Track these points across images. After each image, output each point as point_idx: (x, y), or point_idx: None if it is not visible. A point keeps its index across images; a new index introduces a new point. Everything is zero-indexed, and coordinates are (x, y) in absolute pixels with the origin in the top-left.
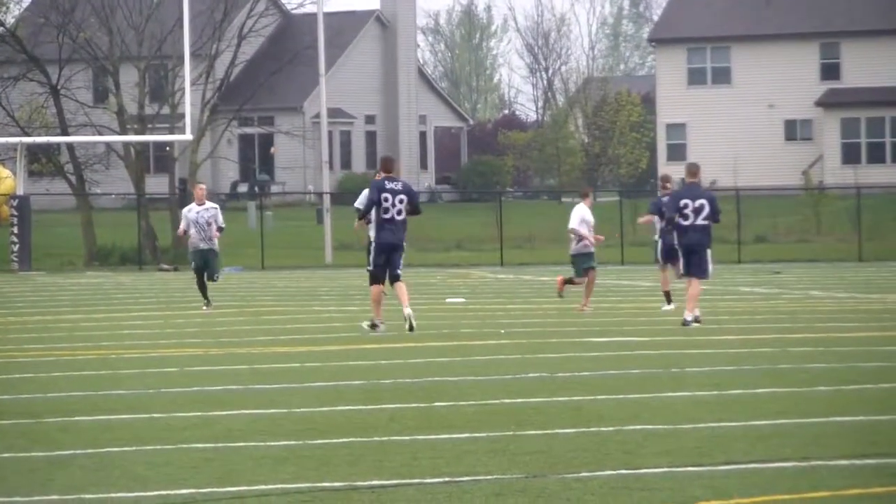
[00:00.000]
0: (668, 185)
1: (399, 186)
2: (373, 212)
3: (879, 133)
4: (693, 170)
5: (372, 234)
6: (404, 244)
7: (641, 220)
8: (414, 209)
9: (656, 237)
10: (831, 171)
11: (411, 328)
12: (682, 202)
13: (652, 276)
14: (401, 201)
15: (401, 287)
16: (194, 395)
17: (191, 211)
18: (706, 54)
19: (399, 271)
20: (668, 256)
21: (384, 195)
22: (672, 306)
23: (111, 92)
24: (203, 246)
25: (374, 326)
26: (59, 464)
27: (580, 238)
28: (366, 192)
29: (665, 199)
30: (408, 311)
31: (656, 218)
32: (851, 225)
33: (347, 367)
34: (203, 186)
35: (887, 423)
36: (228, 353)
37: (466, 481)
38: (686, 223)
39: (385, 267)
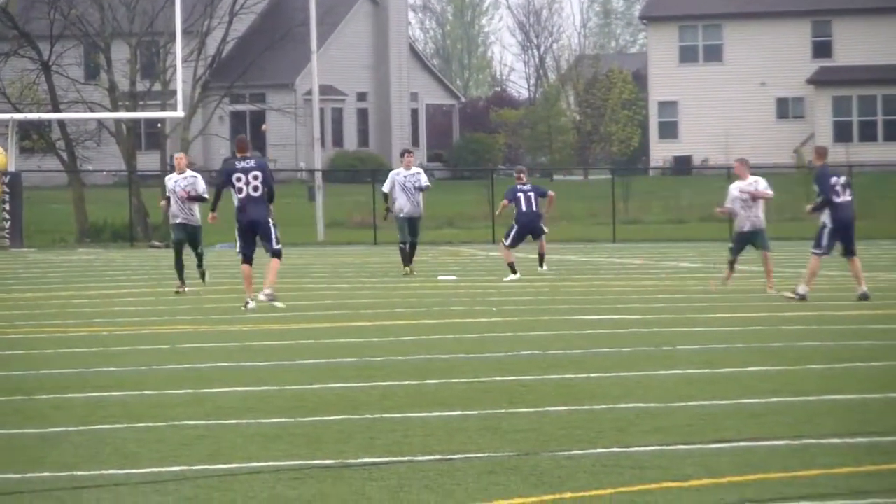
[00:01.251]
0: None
1: (252, 164)
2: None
3: (871, 111)
4: (823, 152)
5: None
6: (269, 219)
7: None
8: (268, 189)
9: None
10: None
11: (246, 306)
12: (833, 179)
13: (642, 254)
14: (255, 177)
15: (272, 265)
16: (186, 372)
17: (170, 179)
18: (698, 32)
19: (277, 247)
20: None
21: (236, 175)
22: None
23: (102, 68)
24: (180, 219)
25: (250, 307)
26: (51, 441)
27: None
28: (389, 175)
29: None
30: (264, 294)
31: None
32: None
33: (339, 344)
34: (182, 155)
35: (879, 402)
36: (220, 330)
37: (458, 459)
38: (839, 200)
39: (252, 245)
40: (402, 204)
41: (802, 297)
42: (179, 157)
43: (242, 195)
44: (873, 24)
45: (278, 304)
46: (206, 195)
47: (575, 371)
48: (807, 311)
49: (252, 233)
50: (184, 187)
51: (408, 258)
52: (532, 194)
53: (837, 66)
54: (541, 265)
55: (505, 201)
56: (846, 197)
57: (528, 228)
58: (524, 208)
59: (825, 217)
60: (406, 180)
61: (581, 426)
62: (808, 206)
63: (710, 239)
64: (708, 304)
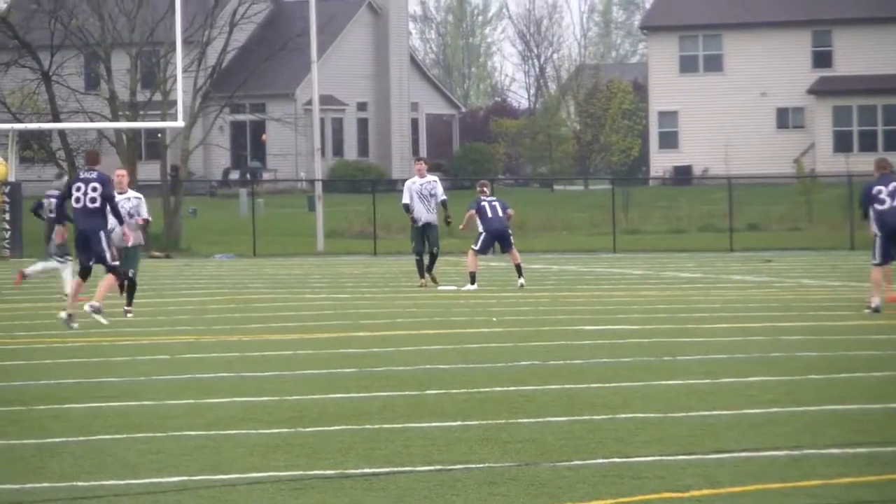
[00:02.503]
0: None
1: (93, 176)
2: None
3: (871, 121)
4: (883, 164)
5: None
6: (101, 232)
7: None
8: (107, 199)
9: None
10: (823, 158)
11: (68, 322)
12: (875, 189)
13: (642, 264)
14: (94, 189)
15: (105, 280)
16: (186, 382)
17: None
18: (698, 42)
19: (106, 258)
20: None
21: (76, 185)
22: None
23: (103, 78)
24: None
25: (71, 317)
26: (50, 451)
27: None
28: (405, 186)
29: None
30: (89, 305)
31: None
32: (843, 213)
33: (339, 354)
34: (124, 172)
35: (879, 412)
36: (220, 340)
37: (458, 469)
38: (883, 207)
39: (88, 256)
40: (420, 212)
41: (876, 310)
42: (121, 175)
43: (79, 205)
44: (873, 34)
45: (103, 321)
46: (148, 217)
47: (575, 381)
48: (807, 322)
49: (86, 243)
50: (128, 210)
51: (425, 269)
52: (497, 204)
53: (837, 76)
54: (520, 276)
55: (471, 211)
56: (891, 204)
57: (497, 234)
58: (490, 215)
59: (874, 227)
60: (423, 188)
61: (581, 436)
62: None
63: (710, 249)
64: (708, 315)
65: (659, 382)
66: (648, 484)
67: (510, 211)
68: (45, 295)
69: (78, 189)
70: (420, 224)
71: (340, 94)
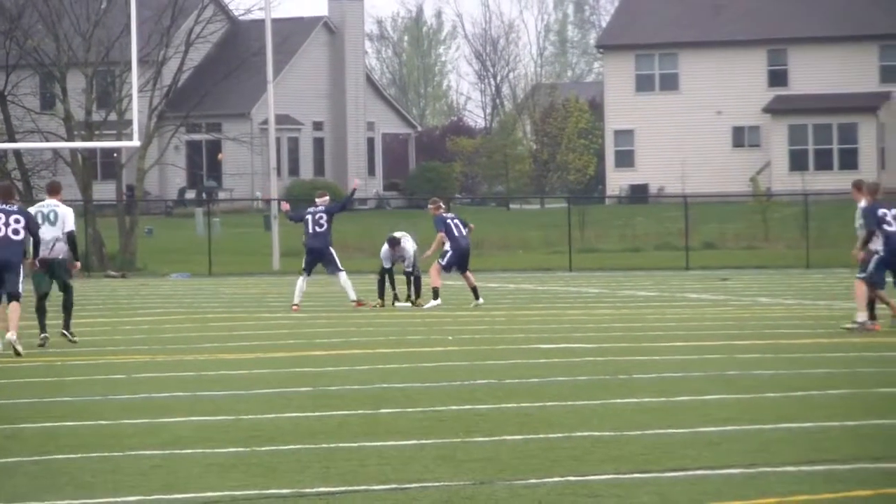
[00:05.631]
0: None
1: (14, 208)
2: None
3: (826, 140)
4: (874, 188)
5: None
6: (21, 264)
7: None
8: (31, 231)
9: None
10: (779, 177)
11: (17, 353)
12: (881, 212)
13: (598, 283)
14: (16, 220)
15: (13, 308)
16: (142, 401)
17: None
18: (654, 61)
19: (18, 290)
20: None
21: None
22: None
23: (58, 98)
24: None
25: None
26: (4, 471)
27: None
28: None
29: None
30: (10, 336)
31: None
32: (799, 231)
33: (295, 373)
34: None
35: (835, 430)
36: (176, 359)
37: (414, 488)
38: (891, 230)
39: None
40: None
41: (861, 325)
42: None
43: (1, 234)
44: (829, 53)
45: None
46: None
47: (531, 400)
48: (763, 340)
49: (2, 273)
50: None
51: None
52: (458, 221)
53: (793, 94)
54: (476, 298)
55: (441, 234)
56: None
57: (465, 253)
58: (457, 233)
59: (877, 245)
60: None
61: (537, 455)
62: (857, 246)
63: (666, 268)
64: (664, 333)
65: (615, 401)
66: (604, 502)
67: (472, 225)
68: None
69: None
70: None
71: (296, 113)
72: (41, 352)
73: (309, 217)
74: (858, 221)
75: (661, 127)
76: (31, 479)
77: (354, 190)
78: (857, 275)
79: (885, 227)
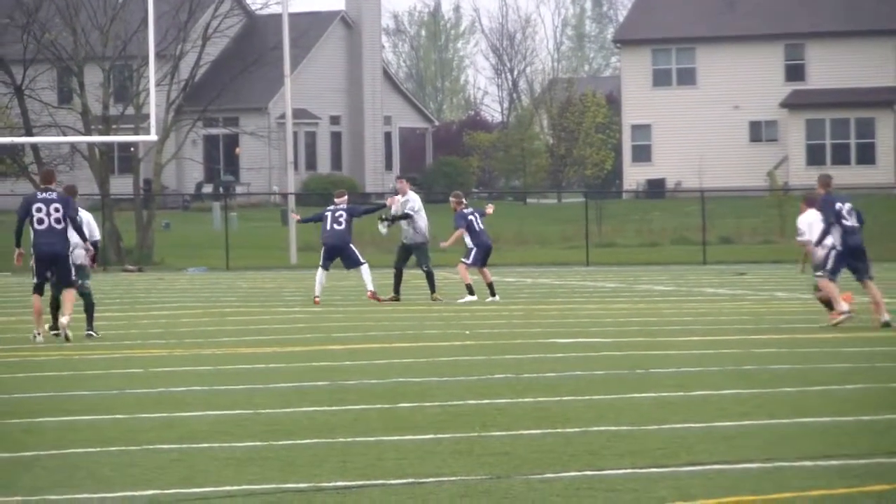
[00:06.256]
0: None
1: (53, 196)
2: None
3: (844, 134)
4: (825, 180)
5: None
6: (69, 255)
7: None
8: (71, 220)
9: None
10: (796, 172)
11: (67, 339)
12: (838, 205)
13: (615, 277)
14: (56, 210)
15: (67, 295)
16: (159, 396)
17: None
18: (671, 55)
19: (71, 280)
20: None
21: (36, 205)
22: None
23: (75, 92)
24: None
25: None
26: (22, 465)
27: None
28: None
29: None
30: (64, 319)
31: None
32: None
33: (312, 367)
34: None
35: (851, 424)
36: (193, 353)
37: (430, 482)
38: (849, 224)
39: (45, 276)
40: (402, 230)
41: (848, 313)
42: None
43: (43, 226)
44: (846, 48)
45: (69, 335)
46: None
47: (548, 394)
48: (779, 334)
49: (50, 265)
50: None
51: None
52: (478, 216)
53: (810, 89)
54: (493, 294)
55: (460, 230)
56: (854, 222)
57: (487, 249)
58: (478, 229)
59: (835, 240)
60: (399, 208)
61: (554, 449)
62: (813, 240)
63: (683, 262)
64: (681, 328)
65: (632, 395)
66: (621, 497)
67: (489, 207)
68: (17, 309)
69: (39, 210)
70: (403, 240)
71: (314, 107)
72: (59, 346)
73: (328, 214)
74: (799, 232)
75: (678, 122)
76: (49, 473)
77: (386, 207)
78: (817, 274)
79: (843, 221)
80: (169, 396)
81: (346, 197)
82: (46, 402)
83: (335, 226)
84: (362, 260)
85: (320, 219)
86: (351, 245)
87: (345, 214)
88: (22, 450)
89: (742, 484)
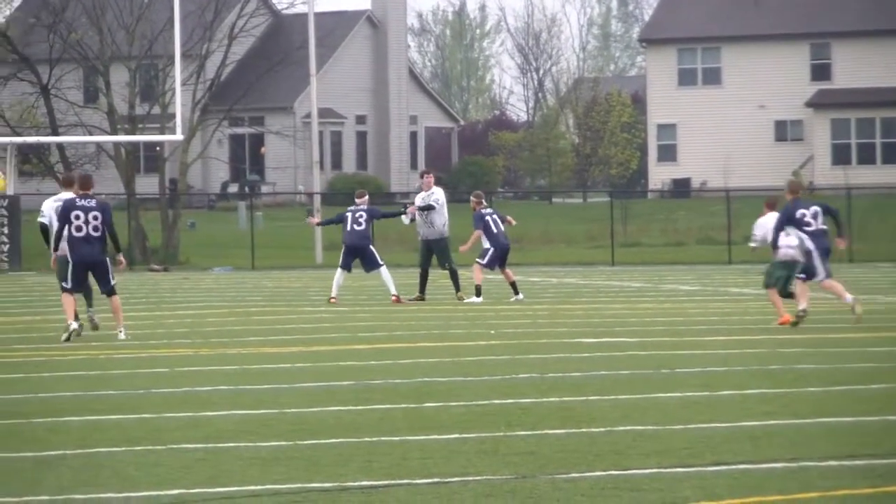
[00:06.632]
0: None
1: (93, 204)
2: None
3: (869, 134)
4: (794, 187)
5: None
6: (106, 261)
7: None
8: (108, 228)
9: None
10: (821, 171)
11: (69, 330)
12: (799, 212)
13: (641, 277)
14: (95, 217)
15: (115, 303)
16: (184, 395)
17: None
18: (696, 55)
19: (111, 286)
20: None
21: (75, 212)
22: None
23: (101, 92)
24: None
25: (74, 329)
26: (48, 464)
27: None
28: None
29: None
30: (121, 333)
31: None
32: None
33: (337, 367)
34: None
35: (877, 424)
36: (218, 353)
37: (456, 482)
38: (811, 229)
39: (81, 283)
40: (419, 225)
41: (804, 311)
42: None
43: (81, 234)
44: (872, 47)
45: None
46: None
47: (573, 394)
48: (805, 334)
49: (88, 271)
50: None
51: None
52: (496, 217)
53: (836, 88)
54: (516, 293)
55: (478, 232)
56: (817, 226)
57: (505, 250)
58: (496, 230)
59: (808, 244)
60: (423, 201)
61: (579, 449)
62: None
63: (708, 262)
64: (706, 328)
65: (657, 395)
66: (646, 496)
67: (509, 218)
68: (43, 308)
69: (77, 217)
70: (420, 238)
71: (339, 107)
72: (85, 345)
73: (349, 215)
74: (756, 232)
75: (703, 121)
76: (75, 472)
77: (407, 215)
78: (798, 275)
79: (806, 227)
80: (194, 396)
81: (366, 197)
82: (72, 402)
83: (355, 226)
84: (381, 262)
85: (340, 220)
86: (371, 247)
87: (365, 215)
88: (48, 449)
89: (767, 484)
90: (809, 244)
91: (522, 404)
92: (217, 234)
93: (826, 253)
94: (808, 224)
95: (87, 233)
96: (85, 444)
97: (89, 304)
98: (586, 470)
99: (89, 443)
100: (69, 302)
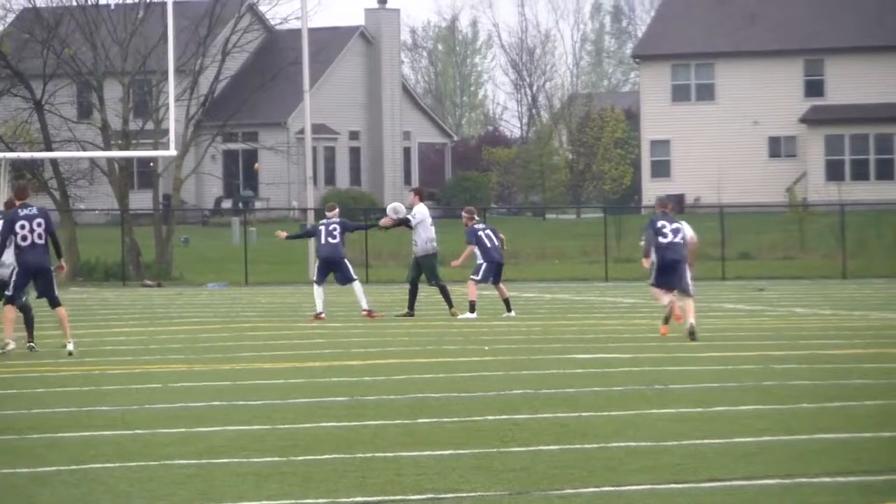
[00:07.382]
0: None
1: (34, 211)
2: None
3: (863, 150)
4: (662, 203)
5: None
6: (51, 269)
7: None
8: (50, 235)
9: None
10: (815, 187)
11: (6, 349)
12: (660, 223)
13: (634, 293)
14: (39, 225)
15: (61, 314)
16: (178, 411)
17: None
18: (690, 71)
19: (56, 295)
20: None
21: (20, 222)
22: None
23: (95, 107)
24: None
25: (11, 350)
26: (42, 480)
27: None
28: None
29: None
30: (69, 345)
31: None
32: (835, 242)
33: (331, 383)
34: None
35: (871, 441)
36: (212, 369)
37: (450, 498)
38: (665, 241)
39: (24, 290)
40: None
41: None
42: None
43: (27, 242)
44: (865, 63)
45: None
46: None
47: (567, 410)
48: (799, 350)
49: (34, 278)
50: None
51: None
52: (490, 232)
53: (830, 104)
54: (509, 310)
55: (471, 247)
56: (672, 239)
57: (498, 265)
58: (489, 245)
59: (654, 256)
60: (394, 212)
61: (573, 465)
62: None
63: (702, 278)
64: (700, 344)
65: (651, 411)
66: None
67: (502, 236)
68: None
69: (23, 227)
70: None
71: (332, 122)
72: (79, 361)
73: (322, 228)
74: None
75: (697, 137)
76: (69, 488)
77: (382, 227)
78: (650, 282)
79: (661, 238)
80: (188, 411)
81: (337, 210)
82: (67, 417)
83: (330, 239)
84: (354, 276)
85: (311, 234)
86: (345, 260)
87: (339, 228)
88: (42, 465)
89: (761, 500)
90: (653, 256)
91: (516, 420)
92: (211, 250)
93: (673, 266)
94: (665, 235)
95: (33, 241)
96: (79, 460)
97: (30, 337)
98: (580, 486)
99: (84, 458)
100: (9, 319)
